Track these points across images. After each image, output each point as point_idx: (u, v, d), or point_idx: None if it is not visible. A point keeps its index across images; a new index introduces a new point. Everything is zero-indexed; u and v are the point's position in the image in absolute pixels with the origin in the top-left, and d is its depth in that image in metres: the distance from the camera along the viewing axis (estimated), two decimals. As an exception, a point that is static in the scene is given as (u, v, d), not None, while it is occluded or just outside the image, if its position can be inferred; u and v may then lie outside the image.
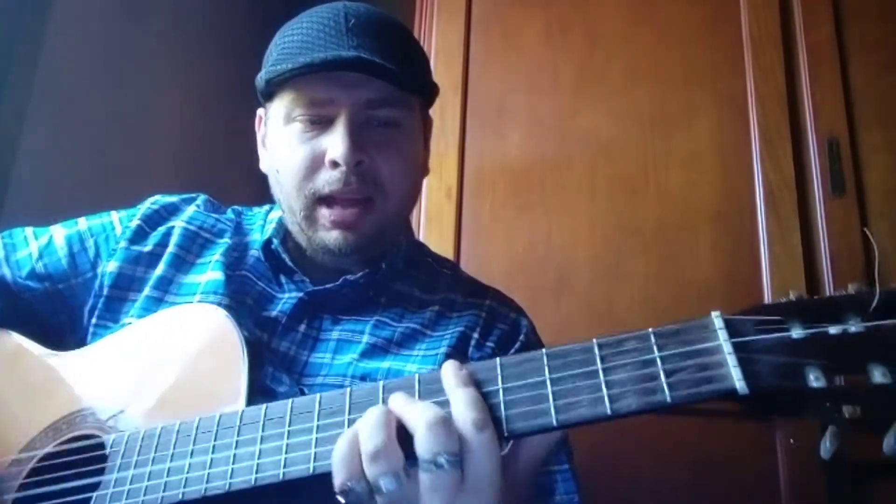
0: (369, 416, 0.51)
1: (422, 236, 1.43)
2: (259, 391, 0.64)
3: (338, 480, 0.51)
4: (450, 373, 0.53)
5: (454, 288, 0.86)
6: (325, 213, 0.76)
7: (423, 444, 0.49)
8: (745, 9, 1.45)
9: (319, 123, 0.76)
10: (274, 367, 0.73)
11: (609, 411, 0.49)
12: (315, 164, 0.75)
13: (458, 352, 0.78)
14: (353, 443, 0.51)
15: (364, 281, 0.80)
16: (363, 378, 0.75)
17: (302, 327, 0.79)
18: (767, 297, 1.28)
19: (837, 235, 1.29)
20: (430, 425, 0.49)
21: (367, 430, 0.50)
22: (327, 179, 0.75)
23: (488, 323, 0.82)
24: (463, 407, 0.50)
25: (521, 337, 0.82)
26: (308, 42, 0.75)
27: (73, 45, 1.43)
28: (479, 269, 1.09)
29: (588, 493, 0.79)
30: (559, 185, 1.44)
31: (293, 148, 0.76)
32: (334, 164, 0.74)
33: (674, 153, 1.41)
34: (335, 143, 0.74)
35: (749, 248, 1.32)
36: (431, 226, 1.45)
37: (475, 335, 0.80)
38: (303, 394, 0.72)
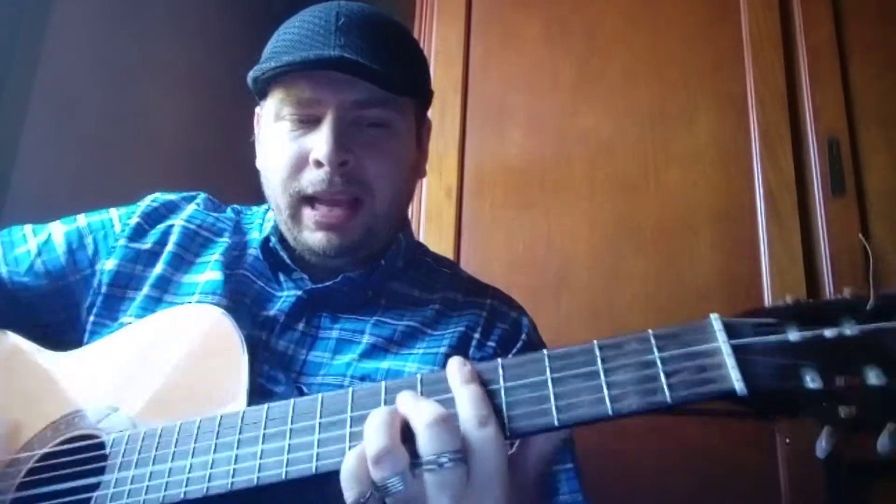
0: (372, 418, 0.51)
1: (422, 236, 1.43)
2: (255, 390, 0.64)
3: (350, 496, 0.50)
4: (454, 369, 0.53)
5: (454, 287, 0.86)
6: (309, 214, 0.76)
7: (424, 444, 0.49)
8: (745, 9, 1.45)
9: (307, 122, 0.75)
10: (270, 366, 0.73)
11: (610, 411, 0.49)
12: (300, 162, 0.75)
13: (459, 352, 0.78)
14: (362, 457, 0.50)
15: (363, 279, 0.80)
16: (362, 379, 0.75)
17: (300, 325, 0.79)
18: (767, 297, 1.29)
19: (837, 235, 1.29)
20: (430, 424, 0.49)
21: (371, 433, 0.50)
22: (311, 179, 0.74)
23: (489, 322, 0.82)
24: (466, 404, 0.50)
25: (523, 336, 0.82)
26: (296, 41, 0.75)
27: (73, 45, 1.43)
28: (479, 269, 1.09)
29: (588, 493, 0.79)
30: (559, 185, 1.44)
31: (280, 146, 0.76)
32: (318, 164, 0.74)
33: (674, 153, 1.41)
34: (319, 142, 0.73)
35: (749, 248, 1.32)
36: (431, 226, 1.45)
37: (476, 335, 0.80)
38: (301, 393, 0.72)
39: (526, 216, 1.44)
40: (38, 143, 1.33)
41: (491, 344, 0.80)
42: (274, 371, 0.73)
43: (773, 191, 1.34)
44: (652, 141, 1.43)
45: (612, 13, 1.52)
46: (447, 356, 0.76)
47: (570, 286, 1.37)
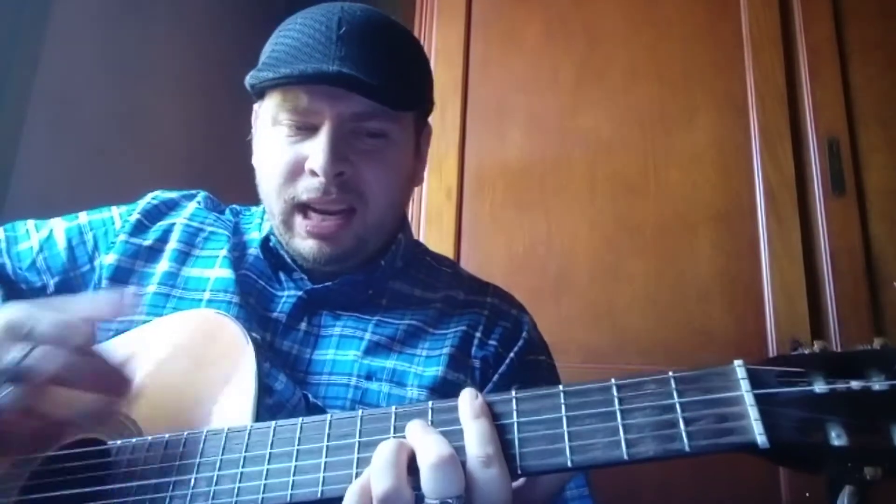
0: (381, 453, 0.49)
1: (422, 236, 1.43)
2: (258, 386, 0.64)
3: None
4: (465, 402, 0.52)
5: (455, 285, 0.86)
6: (301, 223, 0.75)
7: (428, 485, 0.48)
8: (745, 9, 1.45)
9: (304, 129, 0.75)
10: (272, 364, 0.73)
11: (626, 456, 0.47)
12: (296, 169, 0.74)
13: (462, 351, 0.78)
14: (366, 493, 0.49)
15: (363, 279, 0.80)
16: (368, 376, 0.75)
17: (303, 325, 0.79)
18: (767, 298, 1.29)
19: (837, 235, 1.29)
20: (435, 466, 0.48)
21: (377, 471, 0.49)
22: (306, 187, 0.74)
23: (490, 321, 0.82)
24: (473, 441, 0.49)
25: (524, 335, 0.82)
26: (295, 49, 0.74)
27: (73, 45, 1.43)
28: (479, 269, 1.09)
29: (593, 490, 0.79)
30: (559, 185, 1.45)
31: (276, 151, 0.76)
32: (314, 174, 0.73)
33: (674, 153, 1.41)
34: (316, 153, 0.72)
35: (749, 248, 1.32)
36: (431, 226, 1.45)
37: (478, 334, 0.80)
38: (305, 397, 0.73)
39: (526, 216, 1.44)
40: (38, 143, 1.33)
41: (492, 343, 0.80)
42: (275, 370, 0.72)
43: (774, 190, 1.34)
44: (652, 141, 1.43)
45: (612, 13, 1.52)
46: (451, 356, 0.77)
47: (570, 287, 1.37)
